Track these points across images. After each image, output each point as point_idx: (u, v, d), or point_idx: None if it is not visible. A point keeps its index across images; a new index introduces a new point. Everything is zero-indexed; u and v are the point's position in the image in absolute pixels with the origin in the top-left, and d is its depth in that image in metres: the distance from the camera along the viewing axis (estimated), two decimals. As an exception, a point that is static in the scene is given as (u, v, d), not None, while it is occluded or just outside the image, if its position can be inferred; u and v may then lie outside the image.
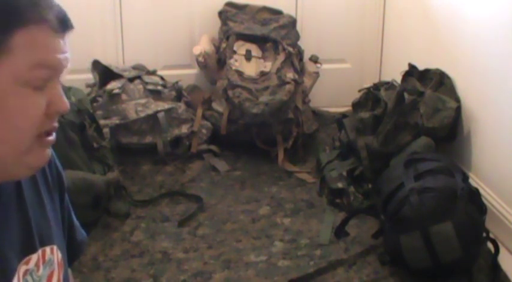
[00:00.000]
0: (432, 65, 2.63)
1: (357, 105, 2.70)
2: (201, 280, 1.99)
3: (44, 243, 0.91)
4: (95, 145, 2.41)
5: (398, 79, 2.64)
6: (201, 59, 2.89)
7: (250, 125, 2.78)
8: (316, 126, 2.97)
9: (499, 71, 2.23)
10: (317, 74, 3.02)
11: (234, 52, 2.91)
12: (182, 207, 2.41)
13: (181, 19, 3.10)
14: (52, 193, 0.97)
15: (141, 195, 2.48)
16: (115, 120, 2.69)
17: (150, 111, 2.71)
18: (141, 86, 2.77)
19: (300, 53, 3.02)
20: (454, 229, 1.92)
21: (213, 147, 2.82)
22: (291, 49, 2.92)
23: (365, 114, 2.55)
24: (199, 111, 2.88)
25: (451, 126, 2.42)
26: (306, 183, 2.61)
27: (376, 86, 2.67)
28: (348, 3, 3.22)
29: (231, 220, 2.33)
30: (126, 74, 2.82)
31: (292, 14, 3.11)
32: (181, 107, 2.80)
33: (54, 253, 0.94)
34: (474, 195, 2.05)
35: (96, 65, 2.85)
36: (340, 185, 2.46)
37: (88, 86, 2.88)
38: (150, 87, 2.79)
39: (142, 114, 2.70)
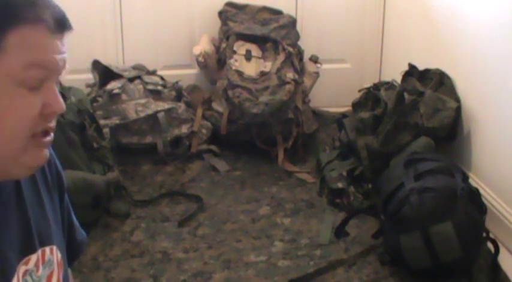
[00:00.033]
0: (432, 65, 2.63)
1: (357, 105, 2.70)
2: (201, 280, 1.99)
3: (43, 244, 0.91)
4: (95, 145, 2.41)
5: (398, 79, 2.64)
6: (201, 59, 2.89)
7: (250, 125, 2.78)
8: (316, 126, 2.97)
9: (499, 71, 2.23)
10: (317, 74, 3.02)
11: (234, 52, 2.91)
12: (182, 207, 2.41)
13: (181, 19, 3.10)
14: (52, 193, 0.97)
15: (141, 195, 2.48)
16: (115, 120, 2.69)
17: (150, 111, 2.71)
18: (141, 86, 2.77)
19: (300, 53, 3.02)
20: (454, 229, 1.92)
21: (213, 147, 2.82)
22: (291, 49, 2.92)
23: (365, 114, 2.55)
24: (199, 111, 2.88)
25: (451, 126, 2.42)
26: (306, 183, 2.61)
27: (376, 86, 2.67)
28: (348, 3, 3.22)
29: (231, 220, 2.33)
30: (126, 74, 2.82)
31: (292, 14, 3.11)
32: (181, 107, 2.80)
33: (53, 253, 0.94)
34: (474, 195, 2.05)
35: (96, 65, 2.85)
36: (340, 185, 2.46)
37: (88, 86, 2.88)
38: (150, 87, 2.79)
39: (142, 114, 2.70)
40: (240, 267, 2.05)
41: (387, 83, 2.68)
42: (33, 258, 0.89)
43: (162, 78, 2.90)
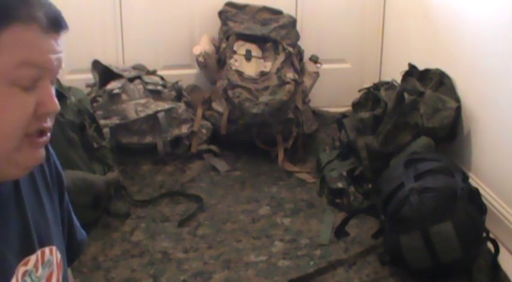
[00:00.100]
0: (432, 65, 2.63)
1: (357, 105, 2.70)
2: (201, 280, 1.99)
3: (43, 244, 0.91)
4: (95, 145, 2.41)
5: (398, 79, 2.64)
6: (201, 59, 2.89)
7: (250, 125, 2.78)
8: (316, 126, 2.97)
9: (499, 71, 2.23)
10: (317, 74, 3.02)
11: (234, 52, 2.91)
12: (182, 207, 2.41)
13: (181, 19, 3.10)
14: (51, 193, 0.96)
15: (141, 195, 2.48)
16: (115, 120, 2.69)
17: (150, 111, 2.71)
18: (141, 86, 2.77)
19: (300, 53, 3.02)
20: (454, 229, 1.92)
21: (213, 147, 2.82)
22: (291, 49, 2.92)
23: (365, 114, 2.55)
24: (199, 111, 2.88)
25: (451, 126, 2.42)
26: (306, 183, 2.61)
27: (376, 86, 2.67)
28: (348, 3, 3.22)
29: (231, 220, 2.33)
30: (126, 74, 2.82)
31: (292, 14, 3.11)
32: (181, 107, 2.80)
33: (53, 254, 0.93)
34: (474, 195, 2.05)
35: (96, 65, 2.85)
36: (340, 185, 2.46)
37: (88, 86, 2.88)
38: (150, 87, 2.79)
39: (142, 114, 2.70)
40: (240, 267, 2.05)
41: (387, 83, 2.68)
42: (33, 258, 0.89)
43: (162, 78, 2.90)
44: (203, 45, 2.93)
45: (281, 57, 2.89)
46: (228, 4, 3.06)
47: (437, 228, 1.93)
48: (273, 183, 2.62)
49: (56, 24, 0.80)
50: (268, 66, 2.88)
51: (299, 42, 3.04)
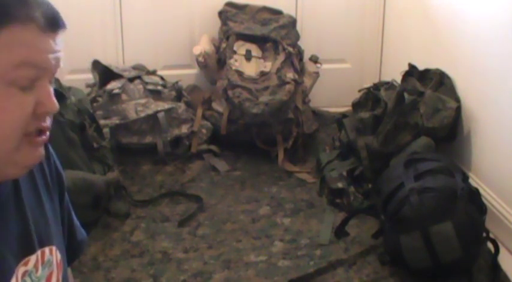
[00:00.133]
0: (432, 65, 2.63)
1: (357, 105, 2.70)
2: (201, 280, 1.99)
3: (43, 244, 0.91)
4: (95, 145, 2.41)
5: (398, 79, 2.64)
6: (201, 59, 2.89)
7: (250, 125, 2.78)
8: (316, 126, 2.97)
9: (499, 71, 2.23)
10: (317, 74, 3.02)
11: (234, 52, 2.91)
12: (182, 207, 2.41)
13: (181, 19, 3.10)
14: (51, 193, 0.96)
15: (141, 195, 2.48)
16: (115, 120, 2.69)
17: (150, 111, 2.71)
18: (141, 86, 2.77)
19: (300, 53, 3.02)
20: (454, 229, 1.92)
21: (213, 147, 2.82)
22: (291, 49, 2.92)
23: (365, 114, 2.56)
24: (199, 111, 2.88)
25: (451, 126, 2.42)
26: (306, 183, 2.61)
27: (376, 86, 2.67)
28: (348, 3, 3.22)
29: (231, 220, 2.33)
30: (126, 74, 2.82)
31: (292, 14, 3.11)
32: (181, 107, 2.80)
33: (53, 254, 0.93)
34: (474, 195, 2.05)
35: (96, 65, 2.85)
36: (340, 185, 2.46)
37: (88, 86, 2.88)
38: (150, 87, 2.79)
39: (142, 114, 2.70)
40: (240, 267, 2.05)
41: (387, 83, 2.68)
42: (33, 259, 0.89)
43: (162, 78, 2.90)
44: (203, 45, 2.93)
45: (281, 57, 2.89)
46: (228, 4, 3.06)
47: (437, 228, 1.93)
48: (273, 183, 2.62)
49: (53, 23, 0.80)
50: (268, 66, 2.88)
51: (299, 42, 3.04)
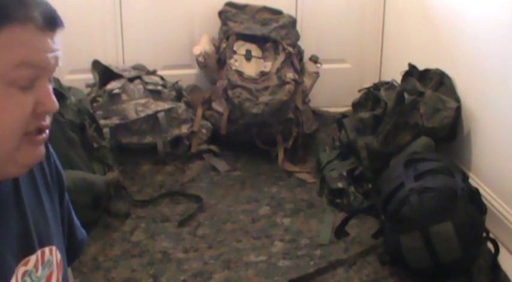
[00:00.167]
0: (432, 65, 2.63)
1: (357, 105, 2.70)
2: (201, 280, 1.99)
3: (43, 244, 0.91)
4: (95, 145, 2.41)
5: (398, 79, 2.64)
6: (201, 59, 2.89)
7: (250, 125, 2.78)
8: (316, 126, 2.97)
9: (499, 71, 2.23)
10: (317, 74, 3.02)
11: (234, 52, 2.91)
12: (182, 207, 2.41)
13: (181, 19, 3.10)
14: (52, 193, 0.96)
15: (141, 195, 2.48)
16: (115, 120, 2.69)
17: (150, 111, 2.71)
18: (141, 86, 2.77)
19: (300, 53, 3.02)
20: (454, 229, 1.92)
21: (213, 147, 2.82)
22: (291, 49, 2.92)
23: (365, 114, 2.56)
24: (199, 111, 2.88)
25: (451, 126, 2.41)
26: (306, 183, 2.61)
27: (376, 86, 2.67)
28: (348, 3, 3.22)
29: (231, 220, 2.33)
30: (126, 74, 2.82)
31: (292, 14, 3.11)
32: (181, 107, 2.80)
33: (53, 254, 0.93)
34: (474, 195, 2.05)
35: (96, 65, 2.85)
36: (340, 185, 2.46)
37: (88, 86, 2.88)
38: (150, 87, 2.79)
39: (142, 114, 2.70)
40: (240, 267, 2.05)
41: (387, 83, 2.68)
42: (33, 258, 0.89)
43: (162, 78, 2.90)
44: (203, 45, 2.93)
45: (281, 57, 2.89)
46: (228, 4, 3.06)
47: (437, 228, 1.93)
48: (273, 183, 2.62)
49: (52, 22, 0.80)
50: (268, 66, 2.88)
51: (299, 42, 3.04)
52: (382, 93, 2.56)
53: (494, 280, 1.99)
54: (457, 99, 2.46)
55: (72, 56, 2.82)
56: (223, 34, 2.99)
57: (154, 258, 2.08)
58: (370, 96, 2.65)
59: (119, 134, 2.71)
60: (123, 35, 3.05)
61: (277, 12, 3.08)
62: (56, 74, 0.85)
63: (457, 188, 1.98)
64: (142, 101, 2.73)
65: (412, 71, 2.63)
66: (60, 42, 0.82)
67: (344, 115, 2.73)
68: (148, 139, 2.73)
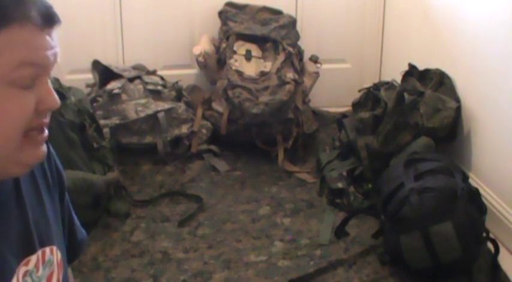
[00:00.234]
0: (432, 65, 2.63)
1: (357, 105, 2.70)
2: (201, 280, 1.99)
3: (43, 244, 0.91)
4: (95, 145, 2.41)
5: (398, 79, 2.64)
6: (201, 59, 2.89)
7: (250, 125, 2.78)
8: (316, 126, 2.97)
9: (499, 71, 2.23)
10: (317, 74, 3.02)
11: (234, 52, 2.91)
12: (182, 207, 2.41)
13: (181, 19, 3.10)
14: (52, 192, 0.96)
15: (141, 195, 2.48)
16: (115, 120, 2.69)
17: (150, 111, 2.71)
18: (141, 86, 2.77)
19: (300, 53, 3.02)
20: (454, 229, 1.92)
21: (213, 147, 2.82)
22: (291, 49, 2.92)
23: (365, 114, 2.56)
24: (199, 111, 2.88)
25: (451, 126, 2.42)
26: (306, 183, 2.61)
27: (376, 86, 2.67)
28: (348, 3, 3.22)
29: (231, 220, 2.33)
30: (126, 74, 2.82)
31: (292, 14, 3.11)
32: (181, 107, 2.80)
33: (53, 253, 0.93)
34: (474, 195, 2.05)
35: (96, 65, 2.85)
36: (340, 185, 2.46)
37: (88, 86, 2.88)
38: (150, 87, 2.79)
39: (142, 114, 2.70)
40: (240, 267, 2.05)
41: (387, 83, 2.68)
42: (33, 258, 0.89)
43: (162, 78, 2.90)
44: (203, 45, 2.93)
45: (281, 57, 2.89)
46: (228, 4, 3.06)
47: (437, 228, 1.93)
48: (273, 183, 2.62)
49: (49, 19, 0.80)
50: (268, 66, 2.88)
51: (299, 42, 3.04)
52: (382, 93, 2.56)
53: (494, 280, 1.99)
54: (457, 99, 2.46)
55: (72, 56, 2.82)
56: (223, 34, 2.99)
57: (154, 258, 2.08)
58: (370, 96, 2.65)
59: (119, 134, 2.71)
60: (123, 35, 3.05)
61: (277, 12, 3.08)
62: (56, 74, 0.85)
63: (457, 188, 1.98)
64: (142, 101, 2.73)
65: (412, 71, 2.63)
66: (57, 38, 0.81)
67: (344, 115, 2.73)
68: (148, 139, 2.73)
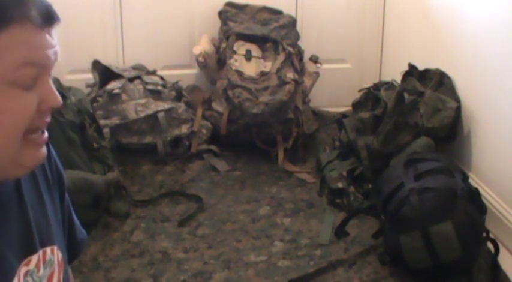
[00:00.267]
0: (432, 65, 2.63)
1: (357, 105, 2.70)
2: (201, 280, 1.99)
3: (44, 244, 0.91)
4: (95, 145, 2.41)
5: (398, 79, 2.64)
6: (201, 59, 2.89)
7: (250, 125, 2.78)
8: (316, 126, 2.97)
9: (499, 71, 2.23)
10: (317, 74, 3.02)
11: (234, 52, 2.91)
12: (182, 207, 2.41)
13: (181, 19, 3.10)
14: (52, 192, 0.96)
15: (141, 195, 2.48)
16: (115, 120, 2.69)
17: (150, 111, 2.71)
18: (141, 86, 2.77)
19: (300, 53, 3.02)
20: (454, 229, 1.92)
21: (213, 147, 2.82)
22: (291, 49, 2.92)
23: (365, 114, 2.56)
24: (199, 111, 2.88)
25: (451, 126, 2.42)
26: (306, 183, 2.61)
27: (376, 86, 2.67)
28: (348, 3, 3.22)
29: (231, 220, 2.33)
30: (126, 74, 2.82)
31: (292, 14, 3.11)
32: (181, 107, 2.80)
33: (54, 253, 0.93)
34: (474, 195, 2.05)
35: (96, 65, 2.85)
36: (340, 185, 2.46)
37: (88, 86, 2.88)
38: (150, 87, 2.79)
39: (142, 114, 2.70)
40: (240, 267, 2.05)
41: (387, 83, 2.68)
42: (34, 258, 0.89)
43: (162, 78, 2.91)
44: (203, 45, 2.93)
45: (281, 57, 2.89)
46: (228, 4, 3.06)
47: (437, 228, 1.93)
48: (273, 183, 2.62)
49: (49, 18, 0.80)
50: (268, 66, 2.88)
51: (299, 42, 3.04)
52: (382, 93, 2.56)
53: (494, 280, 1.99)
54: (457, 99, 2.46)
55: (72, 56, 2.82)
56: (223, 34, 2.99)
57: (154, 258, 2.08)
58: (370, 96, 2.65)
59: (119, 134, 2.71)
60: (123, 35, 3.05)
61: (277, 12, 3.08)
62: (56, 74, 0.85)
63: (457, 188, 1.98)
64: (142, 101, 2.73)
65: (412, 71, 2.63)
66: (57, 36, 0.81)
67: (344, 115, 2.73)
68: (148, 139, 2.73)
